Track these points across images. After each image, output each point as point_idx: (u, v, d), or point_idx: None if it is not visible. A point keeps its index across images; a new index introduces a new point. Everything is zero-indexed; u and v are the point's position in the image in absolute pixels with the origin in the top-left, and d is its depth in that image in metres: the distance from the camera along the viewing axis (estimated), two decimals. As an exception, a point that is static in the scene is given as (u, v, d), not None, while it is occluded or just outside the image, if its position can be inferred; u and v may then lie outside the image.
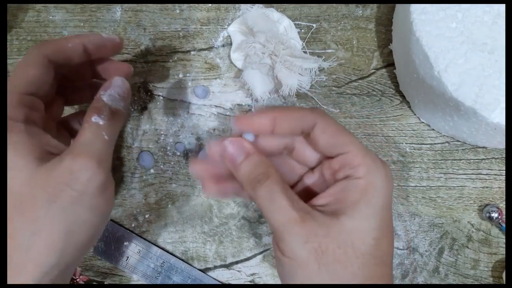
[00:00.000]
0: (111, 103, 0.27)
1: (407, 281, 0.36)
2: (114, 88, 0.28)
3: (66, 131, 0.33)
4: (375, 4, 0.39)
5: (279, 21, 0.37)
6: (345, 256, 0.23)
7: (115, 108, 0.27)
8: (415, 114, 0.38)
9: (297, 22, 0.38)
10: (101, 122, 0.26)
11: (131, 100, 0.37)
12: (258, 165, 0.25)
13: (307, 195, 0.26)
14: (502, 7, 0.31)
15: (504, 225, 0.35)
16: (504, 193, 0.36)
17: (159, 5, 0.39)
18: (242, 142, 0.25)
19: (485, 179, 0.37)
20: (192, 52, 0.38)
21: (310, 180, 0.28)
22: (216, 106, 0.38)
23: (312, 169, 0.28)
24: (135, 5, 0.39)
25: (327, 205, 0.25)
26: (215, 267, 0.36)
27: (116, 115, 0.27)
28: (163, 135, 0.37)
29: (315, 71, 0.36)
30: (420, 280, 0.36)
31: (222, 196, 0.30)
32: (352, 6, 0.39)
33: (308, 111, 0.26)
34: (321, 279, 0.23)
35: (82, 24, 0.38)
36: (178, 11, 0.39)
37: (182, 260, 0.36)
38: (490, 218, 0.35)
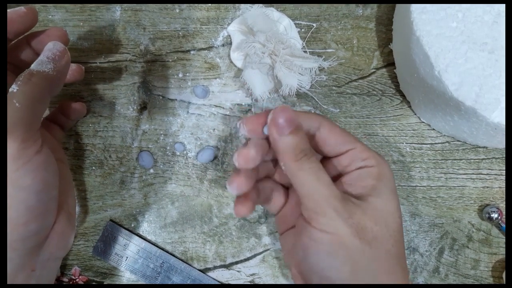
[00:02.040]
0: (37, 67, 0.26)
1: (407, 281, 0.36)
2: (44, 53, 0.27)
3: (56, 125, 0.35)
4: (376, 4, 0.39)
5: (279, 21, 0.37)
6: (381, 234, 0.25)
7: (36, 71, 0.26)
8: (415, 114, 0.37)
9: (297, 22, 0.38)
10: (15, 90, 0.25)
11: (131, 100, 0.37)
12: (305, 139, 0.26)
13: None
14: (502, 7, 0.31)
15: (504, 225, 0.35)
16: (505, 193, 0.36)
17: (158, 4, 0.38)
18: (292, 115, 0.26)
19: (486, 179, 0.37)
20: (191, 52, 0.38)
21: None
22: (216, 106, 0.38)
23: None
24: (134, 4, 0.38)
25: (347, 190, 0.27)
26: (215, 267, 0.36)
27: (33, 77, 0.26)
28: (162, 135, 0.37)
29: (315, 71, 0.36)
30: (420, 280, 0.36)
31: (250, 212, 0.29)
32: (352, 5, 0.39)
33: (313, 114, 0.28)
34: (363, 256, 0.24)
35: (81, 23, 0.38)
36: (177, 11, 0.39)
37: (182, 260, 0.36)
38: (490, 219, 0.35)
